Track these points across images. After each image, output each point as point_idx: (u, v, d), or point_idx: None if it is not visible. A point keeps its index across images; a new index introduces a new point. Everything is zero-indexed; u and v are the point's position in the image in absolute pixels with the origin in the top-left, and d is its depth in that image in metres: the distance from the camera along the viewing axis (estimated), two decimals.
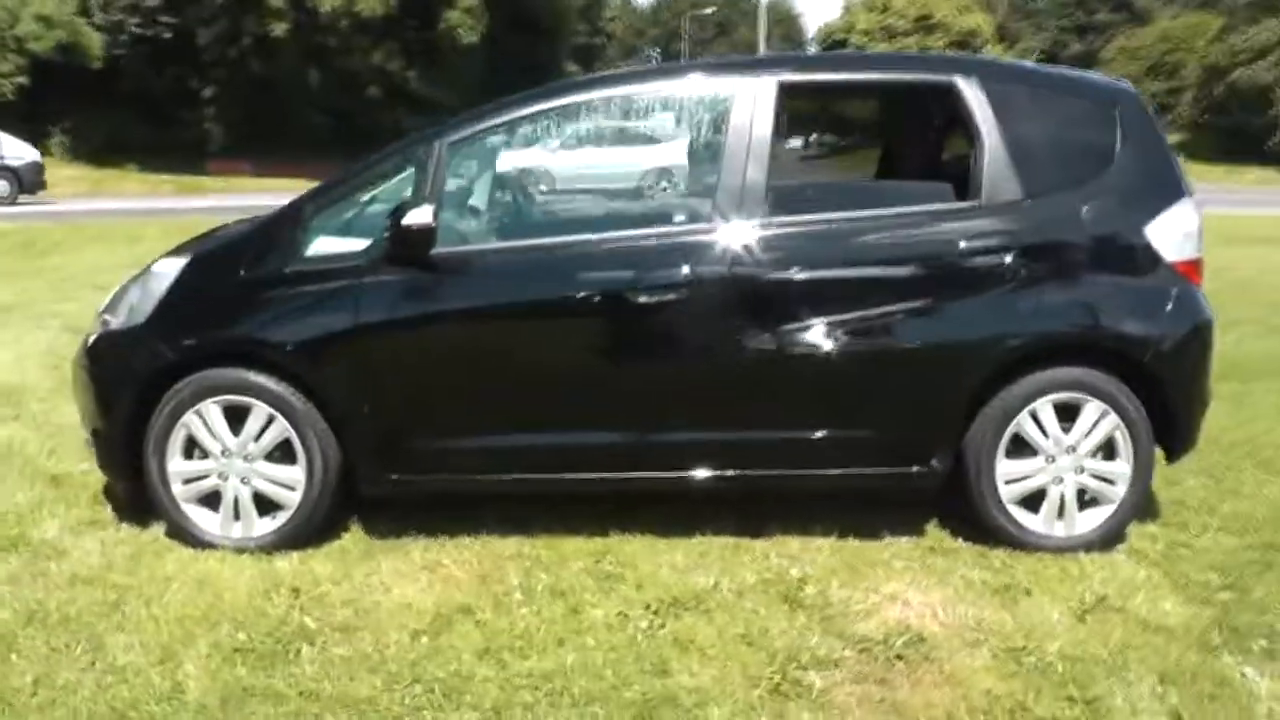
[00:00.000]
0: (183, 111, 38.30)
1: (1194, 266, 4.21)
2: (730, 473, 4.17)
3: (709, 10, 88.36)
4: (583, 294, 4.06)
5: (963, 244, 4.05)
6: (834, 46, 61.10)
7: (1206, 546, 4.26)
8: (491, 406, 4.16)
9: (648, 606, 3.68)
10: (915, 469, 4.17)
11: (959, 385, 4.08)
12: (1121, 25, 68.61)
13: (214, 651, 3.40)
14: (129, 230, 16.75)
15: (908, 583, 3.93)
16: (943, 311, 4.07)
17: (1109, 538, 4.23)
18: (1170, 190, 4.24)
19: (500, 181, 4.93)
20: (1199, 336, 4.17)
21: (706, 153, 4.32)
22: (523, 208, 5.20)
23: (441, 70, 39.33)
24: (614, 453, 4.16)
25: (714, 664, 3.32)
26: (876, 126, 5.83)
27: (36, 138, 35.34)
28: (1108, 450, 4.17)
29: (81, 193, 28.92)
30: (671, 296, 4.00)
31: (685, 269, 4.00)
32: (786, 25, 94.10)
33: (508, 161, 4.91)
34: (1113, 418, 4.11)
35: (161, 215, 19.86)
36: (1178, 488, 4.85)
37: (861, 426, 4.14)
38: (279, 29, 35.02)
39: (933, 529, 4.42)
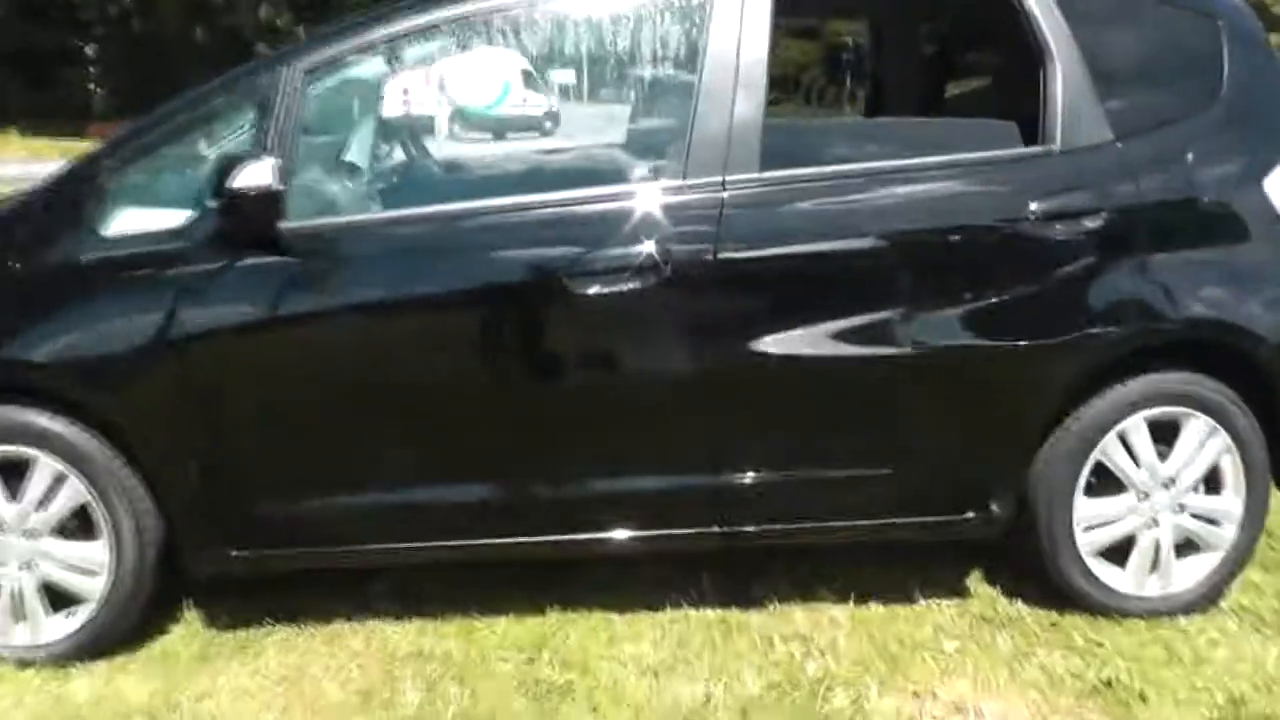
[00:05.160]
0: (64, 71, 36.10)
1: None
2: (716, 529, 3.02)
3: None
4: (501, 284, 2.87)
5: (1033, 206, 2.91)
6: None
7: None
8: (373, 450, 2.93)
9: None
10: (970, 516, 3.05)
11: (1028, 403, 2.98)
12: None
13: None
14: None
15: (969, 678, 2.84)
16: (1006, 303, 2.92)
17: (1211, 595, 3.19)
18: None
19: (382, 126, 3.66)
20: None
21: (674, 84, 3.13)
22: (414, 163, 3.90)
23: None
24: (552, 507, 2.99)
25: None
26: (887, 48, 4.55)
27: None
28: (1212, 481, 3.11)
29: None
30: (629, 286, 2.81)
31: (648, 247, 2.81)
32: None
33: (393, 96, 3.64)
34: (1222, 438, 3.04)
35: None
36: None
37: (898, 462, 3.02)
38: None
39: (975, 583, 3.33)
